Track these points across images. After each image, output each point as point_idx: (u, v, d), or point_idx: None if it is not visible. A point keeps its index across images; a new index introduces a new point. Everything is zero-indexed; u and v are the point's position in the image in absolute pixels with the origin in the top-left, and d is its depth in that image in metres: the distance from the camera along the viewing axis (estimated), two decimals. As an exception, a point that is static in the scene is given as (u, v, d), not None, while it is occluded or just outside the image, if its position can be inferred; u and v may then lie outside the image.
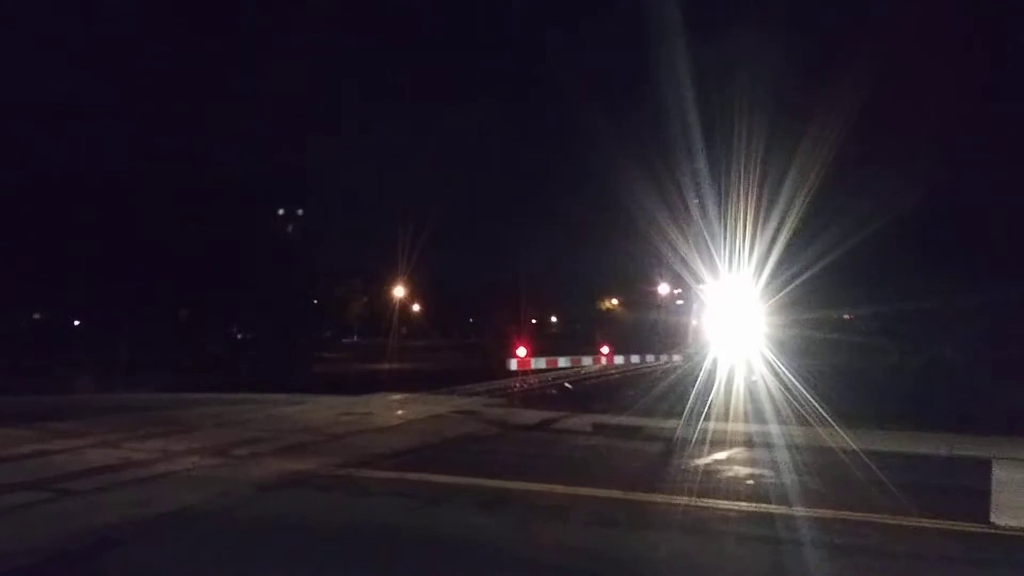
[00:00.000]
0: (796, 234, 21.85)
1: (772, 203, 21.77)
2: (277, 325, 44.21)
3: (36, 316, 45.81)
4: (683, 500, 8.63)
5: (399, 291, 57.09)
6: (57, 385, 21.48)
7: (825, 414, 13.81)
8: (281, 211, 47.40)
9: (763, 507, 8.34)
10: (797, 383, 16.34)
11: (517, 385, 23.07)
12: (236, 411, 15.95)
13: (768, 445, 12.32)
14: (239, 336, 49.26)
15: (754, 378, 18.66)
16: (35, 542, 6.58)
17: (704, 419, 14.83)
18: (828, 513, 8.05)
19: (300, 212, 47.23)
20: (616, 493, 8.97)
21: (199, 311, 45.42)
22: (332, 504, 8.44)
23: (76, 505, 7.97)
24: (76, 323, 44.56)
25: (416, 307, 64.44)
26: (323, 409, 16.61)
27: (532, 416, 16.17)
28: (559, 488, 9.15)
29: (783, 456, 11.35)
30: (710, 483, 9.64)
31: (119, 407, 16.38)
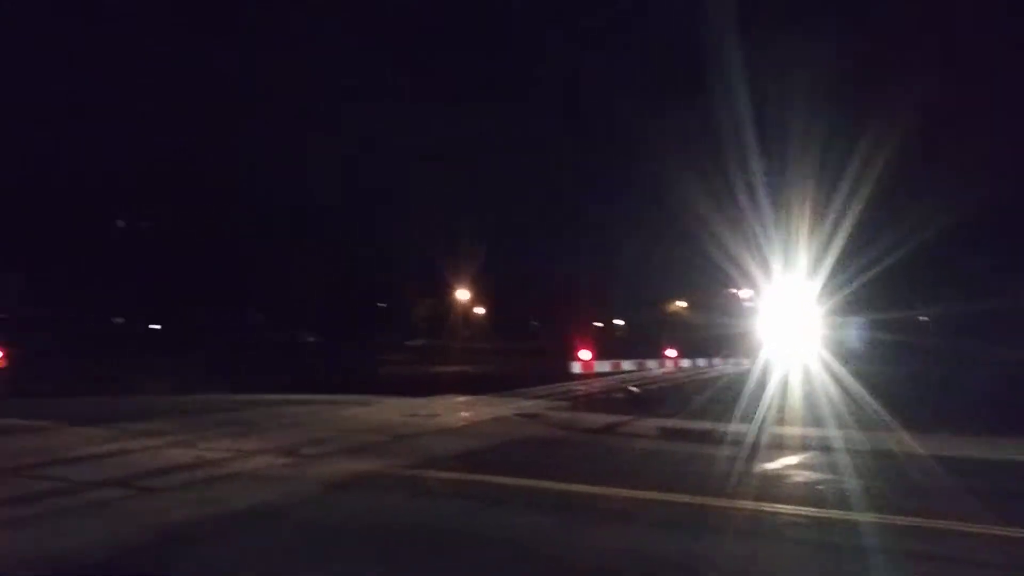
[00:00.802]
0: (858, 233, 21.34)
1: (831, 201, 21.31)
2: (344, 329, 45.02)
3: (116, 320, 47.53)
4: (751, 505, 8.49)
5: (463, 294, 57.56)
6: (135, 387, 22.24)
7: (899, 420, 13.43)
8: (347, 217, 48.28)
9: (833, 513, 8.15)
10: (868, 387, 15.94)
11: (581, 388, 23.03)
12: (304, 412, 16.27)
13: (839, 450, 12.03)
14: (308, 339, 50.31)
15: (822, 382, 18.25)
16: (115, 537, 6.82)
17: (773, 423, 14.57)
18: (901, 520, 7.83)
19: (367, 218, 48.05)
20: (682, 497, 8.87)
21: (271, 316, 46.53)
22: (397, 504, 8.54)
23: (153, 502, 8.23)
24: (153, 327, 46.08)
25: (480, 310, 64.83)
26: (389, 410, 16.83)
27: (596, 419, 16.11)
28: (623, 492, 9.09)
29: (854, 461, 11.07)
30: (779, 488, 9.47)
31: (194, 408, 16.86)
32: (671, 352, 29.73)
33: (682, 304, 70.33)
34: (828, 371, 18.46)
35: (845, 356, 20.16)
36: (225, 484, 9.15)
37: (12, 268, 38.09)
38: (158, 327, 46.01)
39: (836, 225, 20.95)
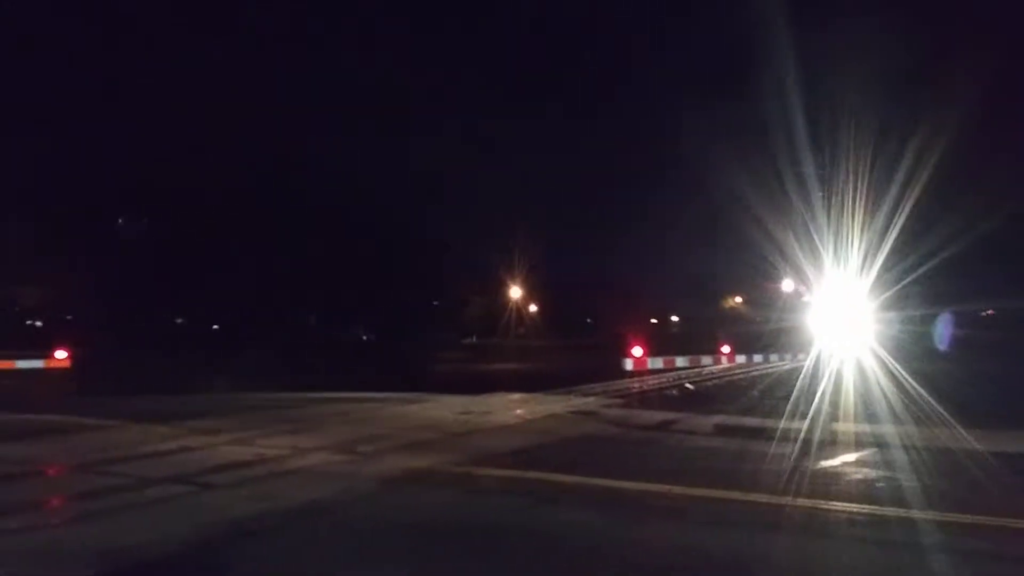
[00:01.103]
0: (914, 224, 20.83)
1: (884, 193, 20.85)
2: (399, 327, 45.49)
3: (178, 321, 48.77)
4: (807, 503, 8.35)
5: (516, 292, 57.64)
6: (195, 385, 22.79)
7: (957, 416, 13.07)
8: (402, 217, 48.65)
9: (891, 511, 7.96)
10: (925, 382, 15.54)
11: (635, 385, 22.90)
12: (361, 409, 16.49)
13: (898, 447, 11.75)
14: (364, 338, 50.96)
15: (877, 378, 17.84)
16: (177, 532, 7.01)
17: (830, 420, 14.31)
18: (962, 518, 7.62)
19: (422, 217, 48.43)
20: (736, 494, 8.76)
21: (327, 315, 47.23)
22: (451, 501, 8.61)
23: (214, 498, 8.44)
24: (214, 327, 47.17)
25: (532, 308, 64.82)
26: (443, 408, 16.96)
27: (650, 417, 16.01)
28: (677, 489, 9.02)
29: (914, 458, 10.81)
30: (837, 485, 9.30)
31: (252, 405, 17.23)
32: (726, 348, 29.34)
33: (738, 299, 69.40)
34: (884, 367, 18.04)
35: (906, 352, 19.65)
36: (284, 481, 9.33)
37: (76, 270, 39.27)
38: (216, 327, 47.11)
39: (891, 217, 20.51)
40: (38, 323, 45.47)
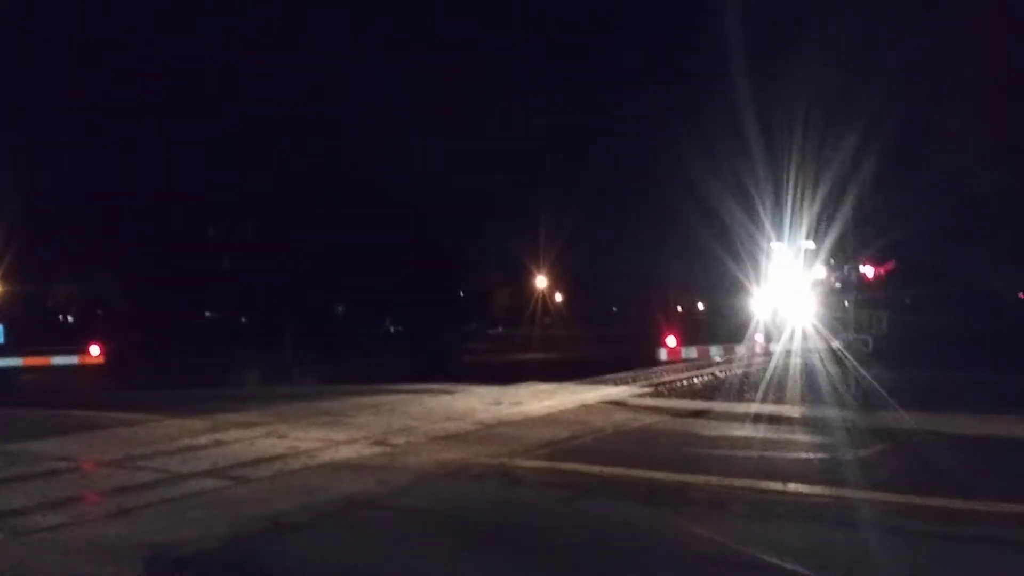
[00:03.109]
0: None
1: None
2: (427, 318, 45.56)
3: (208, 314, 49.20)
4: (848, 492, 8.21)
5: (542, 281, 57.42)
6: (227, 379, 22.95)
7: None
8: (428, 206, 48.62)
9: (935, 501, 7.80)
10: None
11: (668, 375, 22.66)
12: (391, 401, 16.47)
13: (940, 437, 11.55)
14: (391, 329, 51.11)
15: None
16: (216, 528, 6.99)
17: (872, 408, 14.10)
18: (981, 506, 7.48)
19: (446, 206, 48.27)
20: (775, 485, 8.62)
21: (356, 307, 47.40)
22: (487, 493, 8.53)
23: (250, 492, 8.43)
24: (243, 320, 47.53)
25: (559, 297, 64.56)
26: (473, 399, 16.89)
27: (684, 406, 15.84)
28: (714, 480, 8.89)
29: (957, 448, 10.63)
30: (876, 474, 9.13)
31: (284, 398, 17.28)
32: (760, 337, 28.94)
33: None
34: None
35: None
36: (319, 474, 9.31)
37: (106, 266, 39.75)
38: (244, 320, 47.45)
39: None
40: (70, 318, 46.07)
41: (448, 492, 8.60)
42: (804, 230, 23.59)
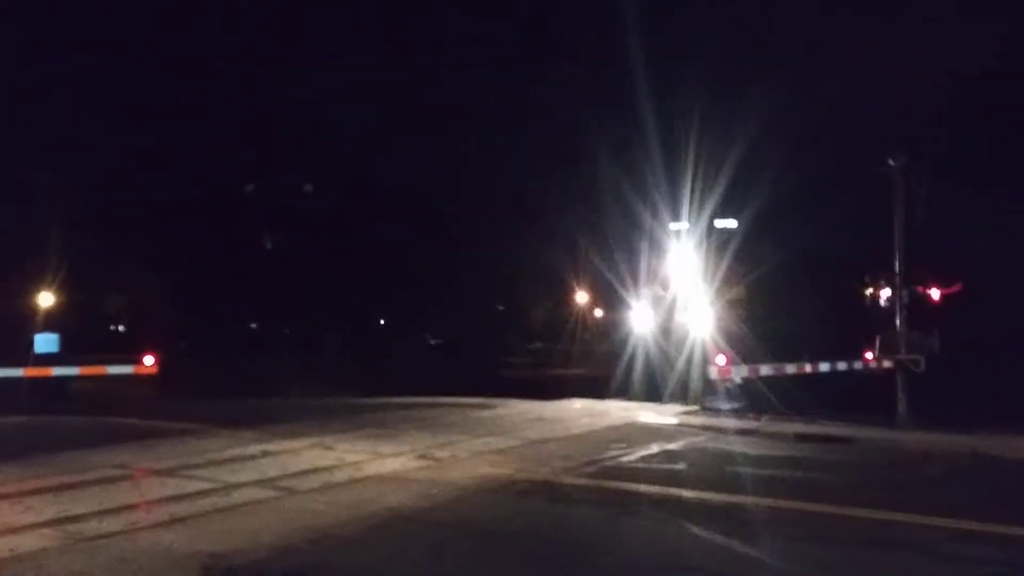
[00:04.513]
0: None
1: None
2: (467, 332, 45.68)
3: (252, 326, 49.81)
4: (899, 516, 8.06)
5: (582, 297, 57.13)
6: (272, 389, 23.21)
7: None
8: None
9: (995, 527, 7.62)
10: None
11: (711, 393, 22.36)
12: (434, 414, 16.55)
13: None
14: (431, 342, 51.27)
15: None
16: (265, 538, 7.09)
17: (920, 428, 13.86)
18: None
19: (487, 220, 48.38)
20: (829, 508, 8.49)
21: (397, 319, 47.69)
22: (533, 510, 8.51)
23: (297, 504, 8.52)
24: (287, 331, 48.03)
25: (599, 312, 64.19)
26: (515, 414, 16.90)
27: (730, 424, 15.69)
28: (765, 501, 8.78)
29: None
30: (933, 496, 8.96)
31: (328, 410, 17.46)
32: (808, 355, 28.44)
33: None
34: None
35: None
36: (365, 486, 9.38)
37: (156, 277, 40.51)
38: (288, 331, 47.95)
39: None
40: (121, 327, 46.93)
41: (494, 508, 8.60)
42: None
